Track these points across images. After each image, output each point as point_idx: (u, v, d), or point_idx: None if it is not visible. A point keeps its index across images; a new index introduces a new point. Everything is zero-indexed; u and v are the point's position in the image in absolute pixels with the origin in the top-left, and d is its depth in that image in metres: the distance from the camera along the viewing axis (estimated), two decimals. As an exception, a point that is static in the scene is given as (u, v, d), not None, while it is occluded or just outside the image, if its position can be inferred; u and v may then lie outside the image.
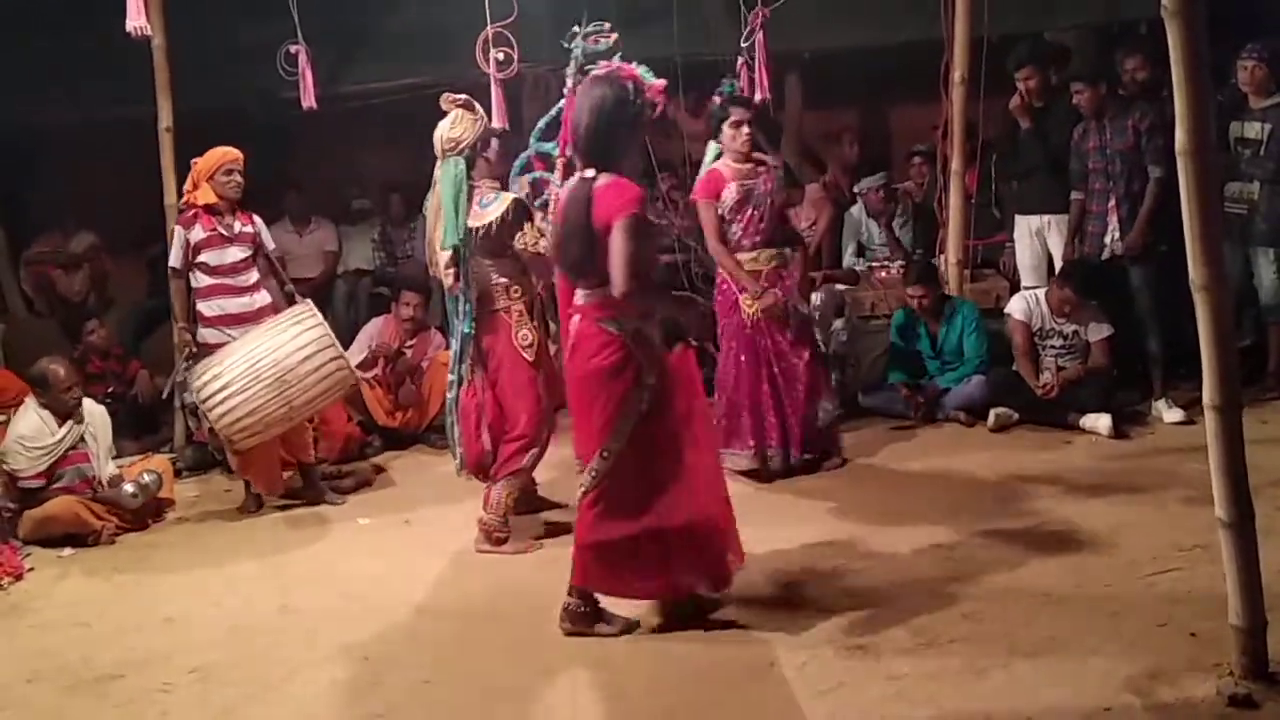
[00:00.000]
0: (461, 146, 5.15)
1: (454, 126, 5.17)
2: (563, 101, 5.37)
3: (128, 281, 9.29)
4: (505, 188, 5.32)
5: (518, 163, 5.53)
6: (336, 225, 9.43)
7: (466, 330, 5.27)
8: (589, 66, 4.97)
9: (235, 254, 6.12)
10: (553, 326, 5.50)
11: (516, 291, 5.30)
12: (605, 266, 3.98)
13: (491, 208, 5.18)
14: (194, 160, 6.19)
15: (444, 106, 5.23)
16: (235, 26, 7.90)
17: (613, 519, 4.14)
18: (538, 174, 5.50)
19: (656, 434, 4.12)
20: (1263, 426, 5.88)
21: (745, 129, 5.95)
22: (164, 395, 7.14)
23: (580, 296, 4.16)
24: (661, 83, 4.28)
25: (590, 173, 4.07)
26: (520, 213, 5.21)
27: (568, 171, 5.13)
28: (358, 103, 8.42)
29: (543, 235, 5.15)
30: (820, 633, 4.14)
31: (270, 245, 6.38)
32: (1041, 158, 7.10)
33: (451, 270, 5.14)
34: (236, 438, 5.79)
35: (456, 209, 5.10)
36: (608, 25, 5.24)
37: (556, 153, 5.37)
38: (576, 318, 4.17)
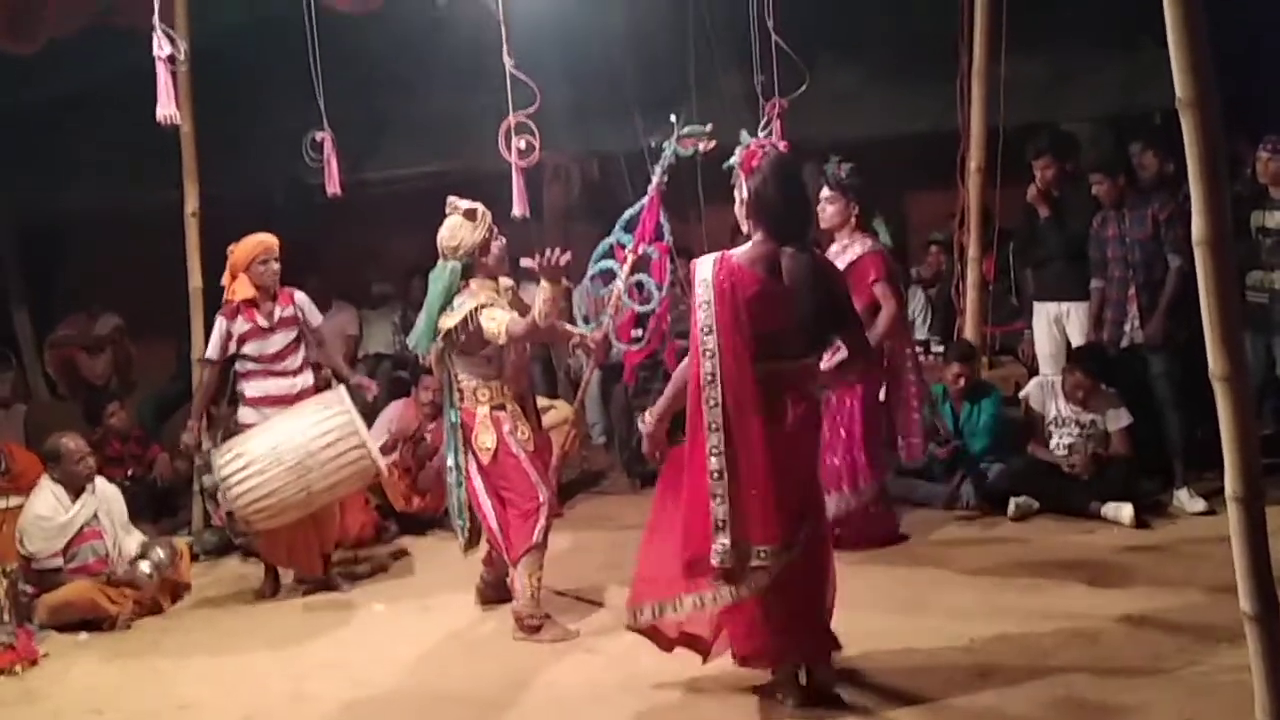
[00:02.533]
0: (460, 252, 5.22)
1: (454, 233, 5.22)
2: (646, 198, 5.44)
3: (150, 365, 9.36)
4: (555, 278, 5.17)
5: (599, 248, 5.54)
6: (358, 309, 9.51)
7: (454, 420, 5.31)
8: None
9: (278, 342, 6.17)
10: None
11: (483, 394, 5.27)
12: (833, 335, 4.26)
13: (455, 313, 5.16)
14: (230, 248, 6.24)
15: (448, 210, 5.30)
16: (262, 114, 8.03)
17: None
18: (609, 264, 5.51)
19: None
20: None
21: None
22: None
23: (779, 370, 4.09)
24: None
25: (789, 248, 4.08)
26: (475, 319, 5.12)
27: (635, 266, 5.31)
28: (381, 189, 8.53)
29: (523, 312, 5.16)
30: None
31: (315, 320, 6.40)
32: (1059, 246, 7.12)
33: (437, 366, 5.22)
34: (254, 518, 5.80)
35: (433, 314, 5.20)
36: (709, 128, 5.30)
37: (630, 245, 5.41)
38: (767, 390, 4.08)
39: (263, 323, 6.14)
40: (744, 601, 4.10)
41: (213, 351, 6.20)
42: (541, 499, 5.24)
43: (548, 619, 5.26)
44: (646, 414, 4.36)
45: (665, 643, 4.34)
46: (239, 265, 6.15)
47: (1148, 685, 4.20)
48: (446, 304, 5.18)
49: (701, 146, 5.32)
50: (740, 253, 4.12)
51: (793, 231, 4.12)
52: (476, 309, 5.13)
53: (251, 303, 6.13)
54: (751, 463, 4.01)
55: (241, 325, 6.11)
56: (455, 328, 5.14)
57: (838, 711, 4.17)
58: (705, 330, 4.04)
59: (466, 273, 5.23)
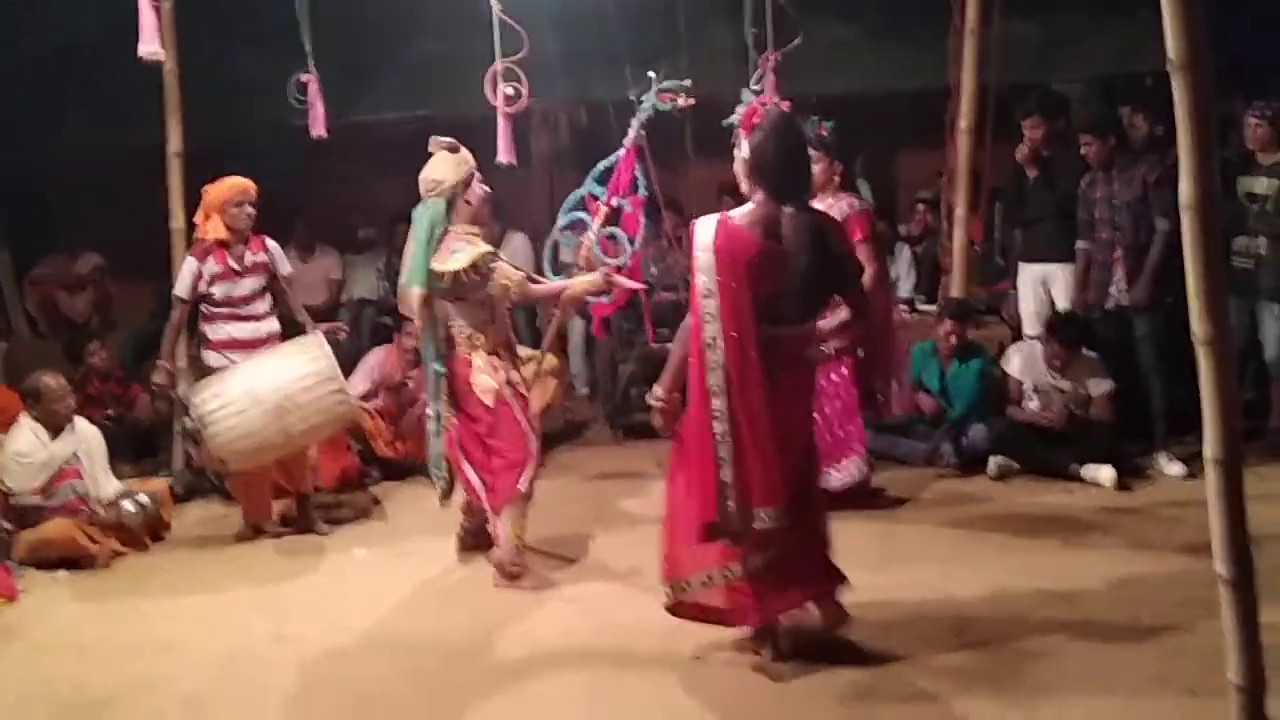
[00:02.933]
0: (442, 188, 5.17)
1: (435, 168, 5.19)
2: (621, 151, 5.41)
3: (131, 304, 9.30)
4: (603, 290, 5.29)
5: (569, 199, 5.52)
6: (342, 254, 9.47)
7: (438, 369, 5.27)
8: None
9: (247, 286, 6.13)
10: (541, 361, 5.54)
11: (479, 340, 5.26)
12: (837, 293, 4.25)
13: (459, 256, 5.09)
14: (205, 187, 6.20)
15: (430, 148, 5.25)
16: (246, 55, 7.95)
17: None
18: (581, 215, 5.48)
19: None
20: (1264, 482, 5.86)
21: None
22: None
23: (780, 335, 4.08)
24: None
25: (789, 208, 4.07)
26: (487, 267, 5.12)
27: (608, 219, 5.27)
28: (367, 133, 8.47)
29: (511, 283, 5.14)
30: (815, 683, 4.11)
31: (285, 270, 6.37)
32: (1048, 206, 7.12)
33: (422, 309, 5.15)
34: (231, 459, 5.79)
35: (424, 250, 5.12)
36: (688, 84, 5.27)
37: (604, 197, 5.37)
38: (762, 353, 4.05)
39: (234, 265, 6.10)
40: (758, 573, 4.13)
41: (183, 290, 6.13)
42: (531, 449, 5.24)
43: (528, 567, 5.28)
44: (655, 388, 4.31)
45: (695, 613, 4.32)
46: (213, 205, 6.09)
47: (1122, 645, 4.25)
48: (431, 240, 5.12)
49: (680, 102, 5.29)
50: (740, 214, 4.11)
51: (793, 191, 4.11)
52: (489, 255, 5.12)
53: (223, 244, 6.08)
54: (753, 425, 4.00)
55: (212, 266, 6.07)
56: (464, 271, 5.08)
57: (816, 663, 4.20)
58: (705, 294, 4.01)
59: (449, 211, 5.18)
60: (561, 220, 5.53)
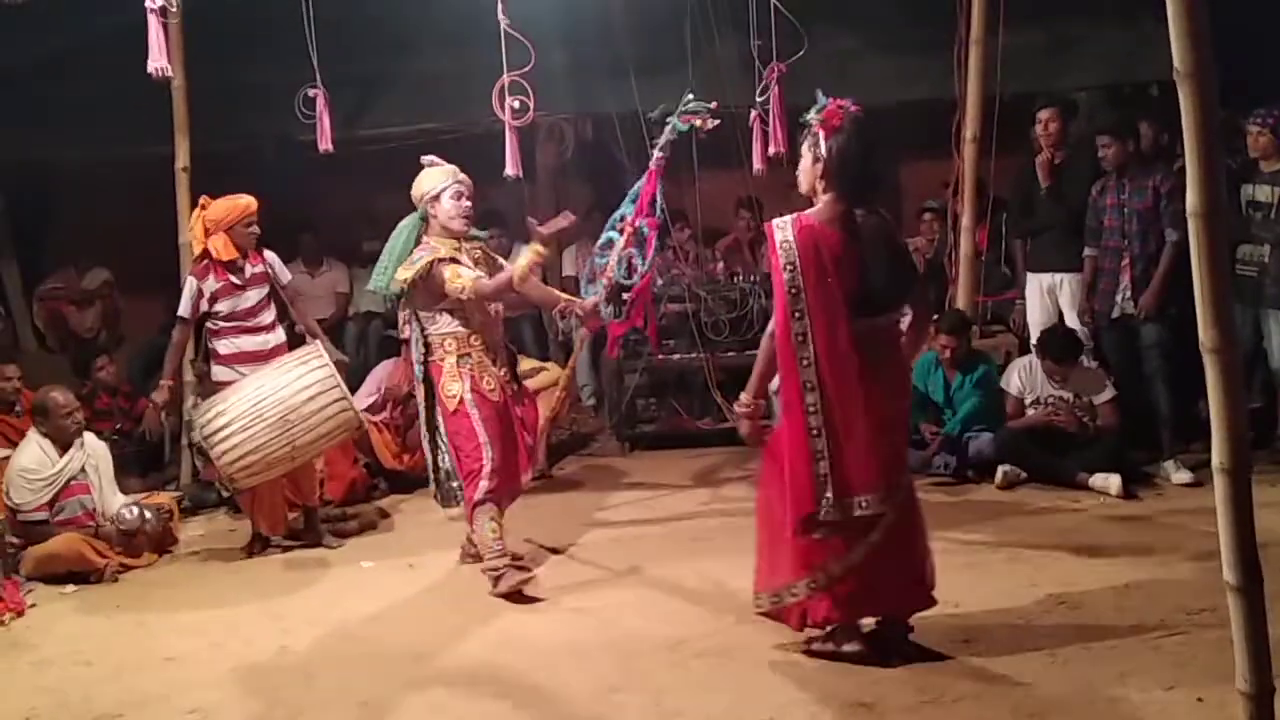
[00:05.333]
0: (418, 202, 5.35)
1: (415, 184, 5.36)
2: (646, 175, 5.43)
3: (139, 319, 9.33)
4: (548, 242, 5.27)
5: (612, 218, 5.56)
6: (349, 267, 9.48)
7: (420, 376, 5.36)
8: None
9: (251, 298, 6.16)
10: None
11: (451, 345, 5.31)
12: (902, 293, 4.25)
13: (416, 264, 5.22)
14: (202, 201, 6.21)
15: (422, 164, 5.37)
16: (254, 69, 7.97)
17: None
18: (614, 235, 5.51)
19: None
20: (1272, 490, 5.85)
21: None
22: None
23: (867, 326, 4.11)
24: None
25: (860, 210, 4.13)
26: (438, 272, 5.19)
27: (630, 241, 5.34)
28: (374, 146, 8.49)
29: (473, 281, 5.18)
30: (823, 688, 4.10)
31: (285, 278, 6.41)
32: (1057, 215, 7.11)
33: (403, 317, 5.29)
34: (238, 476, 5.78)
35: (391, 259, 5.33)
36: (714, 106, 5.29)
37: (630, 217, 5.42)
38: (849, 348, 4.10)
39: (235, 280, 6.12)
40: (856, 567, 4.14)
41: (185, 310, 6.17)
42: (484, 462, 5.27)
43: (509, 567, 5.29)
44: (742, 395, 4.39)
45: (794, 623, 4.34)
46: (221, 225, 6.10)
47: (1130, 654, 4.23)
48: (397, 250, 5.31)
49: (699, 124, 5.31)
50: (815, 213, 4.16)
51: (866, 193, 4.17)
52: (435, 262, 5.19)
53: (228, 264, 6.10)
54: (848, 416, 4.07)
55: (213, 283, 6.09)
56: (412, 280, 5.20)
57: (821, 672, 4.20)
58: (793, 291, 4.06)
59: (424, 223, 5.35)
60: (602, 238, 5.57)
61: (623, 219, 5.48)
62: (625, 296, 5.46)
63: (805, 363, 4.05)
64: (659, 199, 5.45)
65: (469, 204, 5.40)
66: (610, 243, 5.50)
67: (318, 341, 6.18)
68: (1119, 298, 6.74)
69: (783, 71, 6.66)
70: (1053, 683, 4.04)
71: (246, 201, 6.14)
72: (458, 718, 4.13)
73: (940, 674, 4.16)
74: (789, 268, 4.06)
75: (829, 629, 4.29)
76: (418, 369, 5.39)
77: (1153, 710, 3.76)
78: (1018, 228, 7.65)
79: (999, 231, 7.93)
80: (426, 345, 5.38)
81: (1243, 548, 3.25)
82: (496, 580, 5.23)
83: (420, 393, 5.45)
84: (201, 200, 6.25)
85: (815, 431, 4.07)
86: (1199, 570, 4.88)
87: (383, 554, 6.14)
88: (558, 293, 5.91)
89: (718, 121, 5.33)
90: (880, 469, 4.12)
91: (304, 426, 5.77)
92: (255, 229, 6.14)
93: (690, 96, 5.37)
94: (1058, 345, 6.79)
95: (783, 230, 4.10)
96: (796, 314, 4.05)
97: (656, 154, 5.43)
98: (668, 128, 5.38)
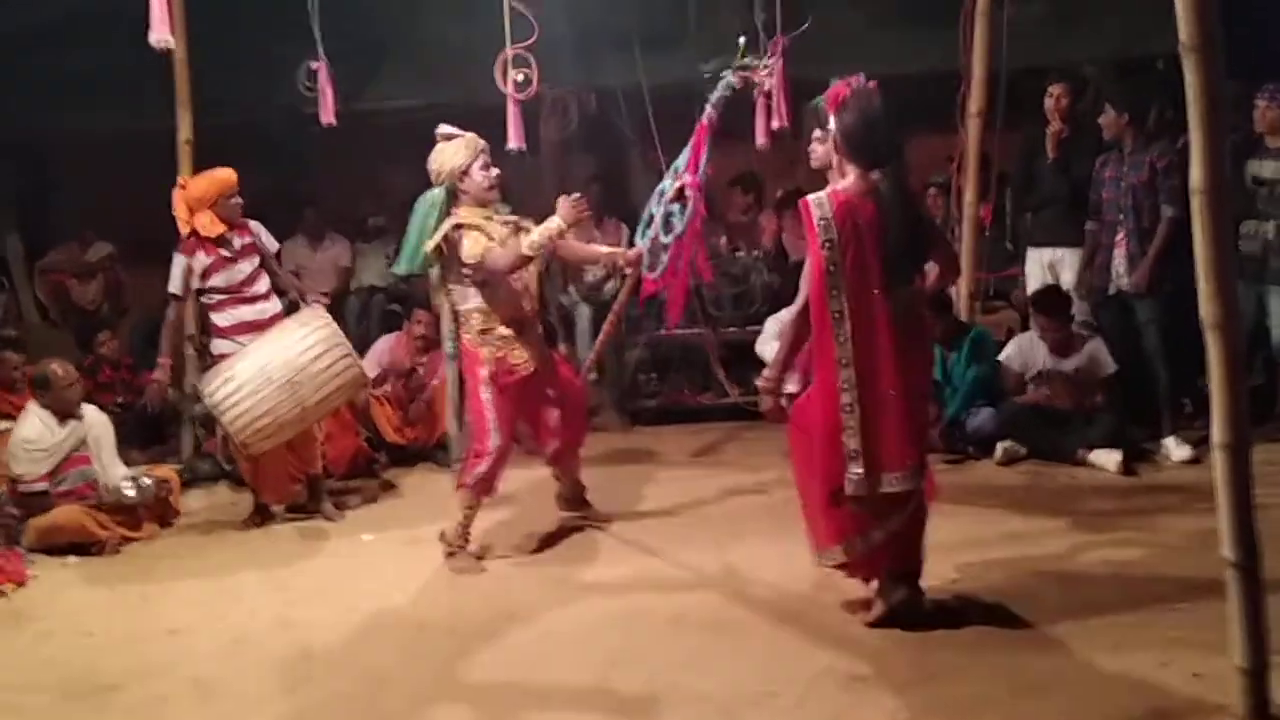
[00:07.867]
0: (441, 177, 5.24)
1: (434, 157, 5.26)
2: (696, 129, 5.37)
3: (142, 292, 9.32)
4: (572, 220, 5.21)
5: (674, 164, 5.51)
6: (351, 242, 9.47)
7: (450, 353, 5.35)
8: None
9: (244, 270, 6.14)
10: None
11: (476, 320, 5.28)
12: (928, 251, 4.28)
13: (438, 232, 5.19)
14: (181, 182, 6.18)
15: (436, 139, 5.30)
16: (256, 42, 7.94)
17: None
18: (664, 185, 5.50)
19: None
20: (1271, 467, 5.84)
21: None
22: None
23: (898, 297, 4.15)
24: None
25: (879, 175, 4.14)
26: (456, 241, 5.16)
27: (675, 198, 5.31)
28: (376, 120, 8.47)
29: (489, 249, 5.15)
30: (820, 662, 4.11)
31: (272, 247, 6.40)
32: (1061, 189, 7.08)
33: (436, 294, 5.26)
34: (251, 440, 5.78)
35: (416, 237, 5.23)
36: (772, 61, 5.24)
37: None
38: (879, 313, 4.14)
39: (226, 253, 6.11)
40: (898, 531, 4.24)
41: (176, 287, 6.17)
42: (491, 448, 5.28)
43: (464, 552, 5.37)
44: (765, 371, 4.41)
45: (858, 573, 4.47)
46: (204, 201, 6.08)
47: (1128, 629, 4.23)
48: (425, 228, 5.22)
49: (755, 79, 5.27)
50: (846, 186, 4.17)
51: (884, 160, 4.17)
52: (455, 227, 5.16)
53: (215, 239, 6.10)
54: (881, 391, 4.11)
55: (204, 259, 6.08)
56: (437, 248, 5.18)
57: (817, 649, 4.21)
58: (831, 269, 4.07)
59: (451, 198, 5.24)
60: (660, 186, 5.55)
61: (677, 171, 5.45)
62: (663, 255, 5.43)
63: (842, 339, 4.09)
64: (704, 160, 5.37)
65: (497, 170, 5.35)
66: (664, 193, 5.48)
67: (317, 305, 6.18)
68: (1114, 272, 6.71)
69: (787, 45, 6.63)
70: (1050, 658, 4.05)
71: (225, 174, 6.12)
72: (459, 688, 4.15)
73: (936, 648, 4.17)
74: (827, 244, 4.07)
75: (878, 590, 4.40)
76: (449, 345, 5.37)
77: (1149, 686, 3.77)
78: (1020, 202, 7.63)
79: (1003, 207, 7.91)
80: (457, 320, 5.39)
81: (1242, 524, 3.27)
82: (449, 555, 5.35)
83: (450, 370, 5.43)
84: (180, 180, 6.23)
85: (848, 407, 4.11)
86: (1198, 546, 4.85)
87: (384, 527, 6.15)
88: (599, 248, 5.89)
89: (768, 72, 5.25)
90: (909, 444, 4.17)
91: (312, 385, 5.78)
92: (238, 200, 6.12)
93: (744, 48, 5.31)
94: (1048, 300, 6.81)
95: (820, 207, 4.11)
96: (834, 291, 4.08)
97: (709, 109, 5.35)
98: (721, 83, 5.32)
